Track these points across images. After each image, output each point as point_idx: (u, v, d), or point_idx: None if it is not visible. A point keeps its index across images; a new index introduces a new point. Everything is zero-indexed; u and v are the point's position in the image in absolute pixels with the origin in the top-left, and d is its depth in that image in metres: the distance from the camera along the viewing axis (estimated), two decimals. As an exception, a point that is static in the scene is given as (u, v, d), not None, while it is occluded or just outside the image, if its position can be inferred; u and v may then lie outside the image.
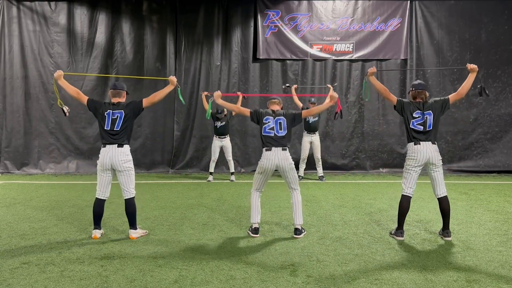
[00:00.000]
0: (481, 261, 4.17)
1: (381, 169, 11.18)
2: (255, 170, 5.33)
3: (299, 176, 9.37)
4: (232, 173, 9.82)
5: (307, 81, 11.19)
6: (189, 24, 11.24)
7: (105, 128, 4.88)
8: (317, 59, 11.21)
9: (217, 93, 5.31)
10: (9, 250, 4.50)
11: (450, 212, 4.97)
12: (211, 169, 9.74)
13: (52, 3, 11.12)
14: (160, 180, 9.86)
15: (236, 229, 5.38)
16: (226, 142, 9.63)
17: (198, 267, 3.98)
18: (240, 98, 9.24)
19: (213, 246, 4.68)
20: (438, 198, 4.96)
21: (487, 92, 5.07)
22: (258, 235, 5.04)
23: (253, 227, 5.10)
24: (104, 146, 4.89)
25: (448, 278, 3.74)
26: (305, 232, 5.13)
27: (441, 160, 4.95)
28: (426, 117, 4.87)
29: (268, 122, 5.07)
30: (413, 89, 5.04)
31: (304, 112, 5.30)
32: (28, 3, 11.13)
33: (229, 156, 9.72)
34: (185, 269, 3.94)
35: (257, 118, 5.16)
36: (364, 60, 11.21)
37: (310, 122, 9.53)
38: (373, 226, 5.52)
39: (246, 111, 5.27)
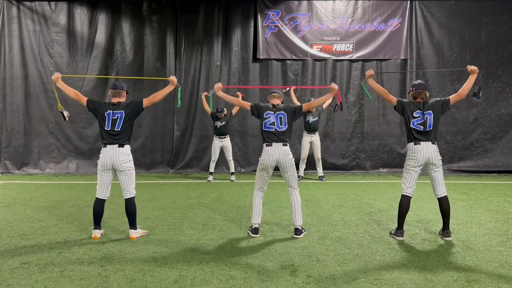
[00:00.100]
0: (481, 261, 4.17)
1: (381, 169, 11.18)
2: (255, 170, 5.34)
3: (299, 176, 9.37)
4: (232, 173, 9.82)
5: (307, 81, 11.18)
6: (189, 24, 11.24)
7: (105, 129, 4.88)
8: (317, 59, 11.20)
9: (218, 85, 5.32)
10: (9, 250, 4.50)
11: (450, 212, 4.97)
12: (211, 169, 9.74)
13: (52, 3, 11.12)
14: (160, 180, 9.86)
15: (236, 229, 5.38)
16: (226, 142, 9.63)
17: (198, 267, 3.98)
18: (240, 97, 9.21)
19: (213, 246, 4.68)
20: (438, 198, 4.96)
21: (480, 95, 5.08)
22: (258, 235, 5.05)
23: (253, 227, 5.10)
24: (105, 146, 4.89)
25: (448, 278, 3.75)
26: (305, 232, 5.13)
27: (441, 160, 4.96)
28: (426, 117, 4.88)
29: (269, 117, 5.07)
30: (414, 89, 5.05)
31: (304, 105, 5.30)
32: (28, 3, 11.12)
33: (229, 156, 9.72)
34: (185, 269, 3.94)
35: (258, 112, 5.18)
36: (364, 60, 11.20)
37: (310, 122, 9.49)
38: (373, 226, 5.52)
39: (247, 105, 5.29)
